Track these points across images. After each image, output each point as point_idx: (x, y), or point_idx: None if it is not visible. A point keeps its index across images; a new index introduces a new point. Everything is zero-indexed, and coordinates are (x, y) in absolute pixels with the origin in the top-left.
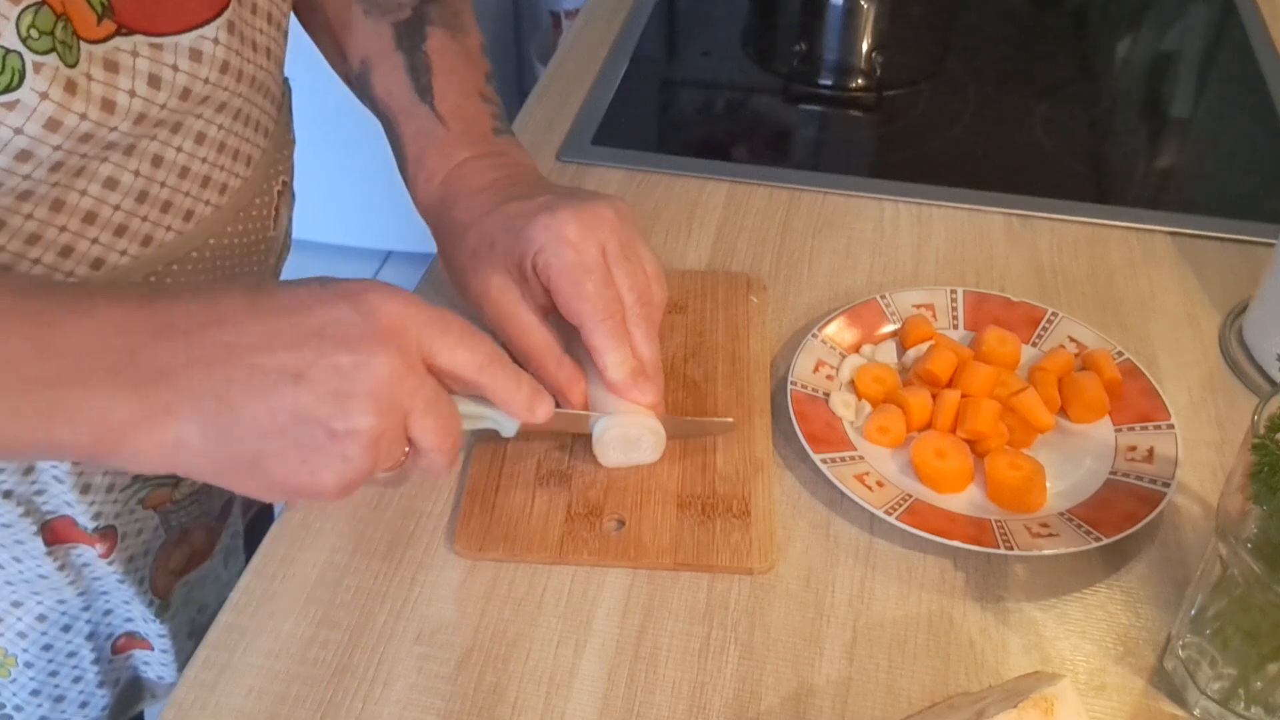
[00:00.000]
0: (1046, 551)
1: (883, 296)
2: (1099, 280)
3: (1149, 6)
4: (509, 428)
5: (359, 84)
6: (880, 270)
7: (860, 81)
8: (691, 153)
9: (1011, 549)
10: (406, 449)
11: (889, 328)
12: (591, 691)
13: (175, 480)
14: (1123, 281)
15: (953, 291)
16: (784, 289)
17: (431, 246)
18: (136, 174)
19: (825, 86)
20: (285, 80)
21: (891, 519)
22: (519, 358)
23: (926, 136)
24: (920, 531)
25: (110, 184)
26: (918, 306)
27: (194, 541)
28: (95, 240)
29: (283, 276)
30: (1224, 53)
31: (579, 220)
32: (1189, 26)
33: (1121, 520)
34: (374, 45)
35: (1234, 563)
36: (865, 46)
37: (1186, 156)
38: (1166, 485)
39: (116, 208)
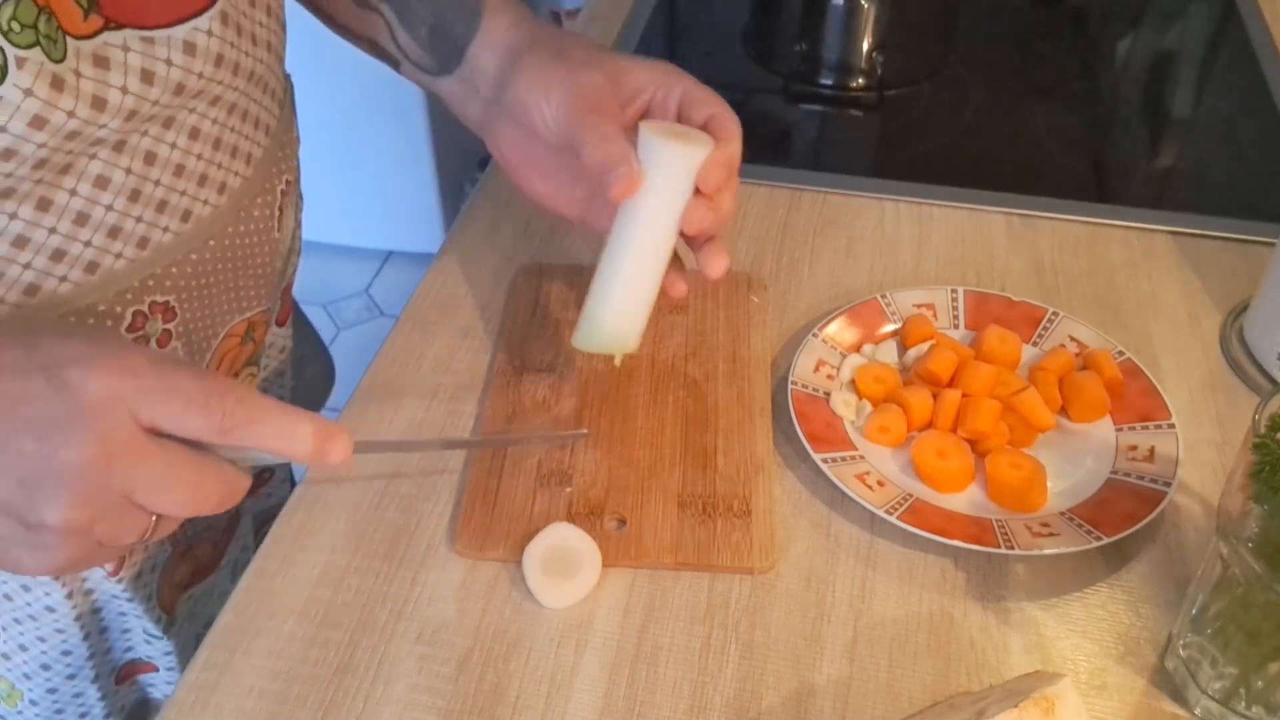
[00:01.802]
0: (1047, 551)
1: (883, 296)
2: (1100, 280)
3: (1149, 6)
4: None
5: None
6: (881, 270)
7: (860, 81)
8: None
9: (1012, 548)
10: (154, 517)
11: (890, 327)
12: (592, 691)
13: None
14: (1123, 281)
15: (953, 291)
16: (784, 289)
17: (432, 247)
18: (129, 172)
19: (825, 86)
20: (287, 76)
21: (892, 518)
22: (599, 141)
23: (926, 136)
24: (921, 531)
25: (101, 183)
26: (918, 306)
27: (200, 555)
28: (88, 243)
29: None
30: (1224, 53)
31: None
32: (1189, 26)
33: (1122, 520)
34: None
35: (1235, 562)
36: (866, 46)
37: (1186, 156)
38: (1167, 485)
39: (109, 208)
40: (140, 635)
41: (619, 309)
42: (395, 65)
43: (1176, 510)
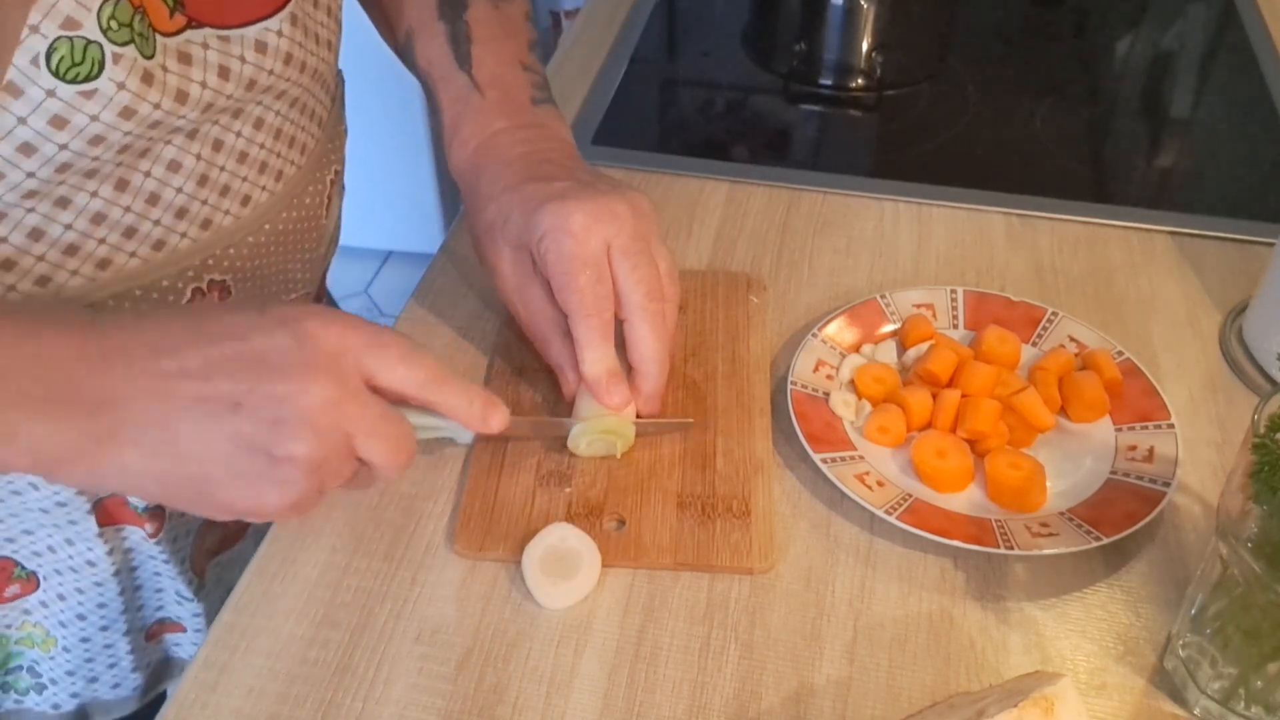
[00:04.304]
0: (1047, 551)
1: (883, 296)
2: (1099, 280)
3: (1149, 6)
4: (464, 436)
5: (404, 54)
6: (880, 270)
7: (860, 81)
8: (691, 153)
9: (1012, 548)
10: (358, 465)
11: (889, 327)
12: (592, 691)
13: None
14: (1123, 281)
15: (953, 291)
16: (784, 289)
17: (432, 247)
18: (198, 158)
19: (825, 86)
20: (339, 71)
21: (892, 519)
22: (525, 332)
23: (926, 136)
24: (920, 531)
25: (173, 167)
26: (918, 306)
27: (228, 523)
28: (157, 222)
29: None
30: (1224, 53)
31: (586, 212)
32: (1189, 26)
33: (1122, 520)
34: (418, 15)
35: (1234, 562)
36: (865, 46)
37: (1186, 156)
38: (1167, 485)
39: (179, 190)
40: (172, 595)
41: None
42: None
43: (1176, 510)
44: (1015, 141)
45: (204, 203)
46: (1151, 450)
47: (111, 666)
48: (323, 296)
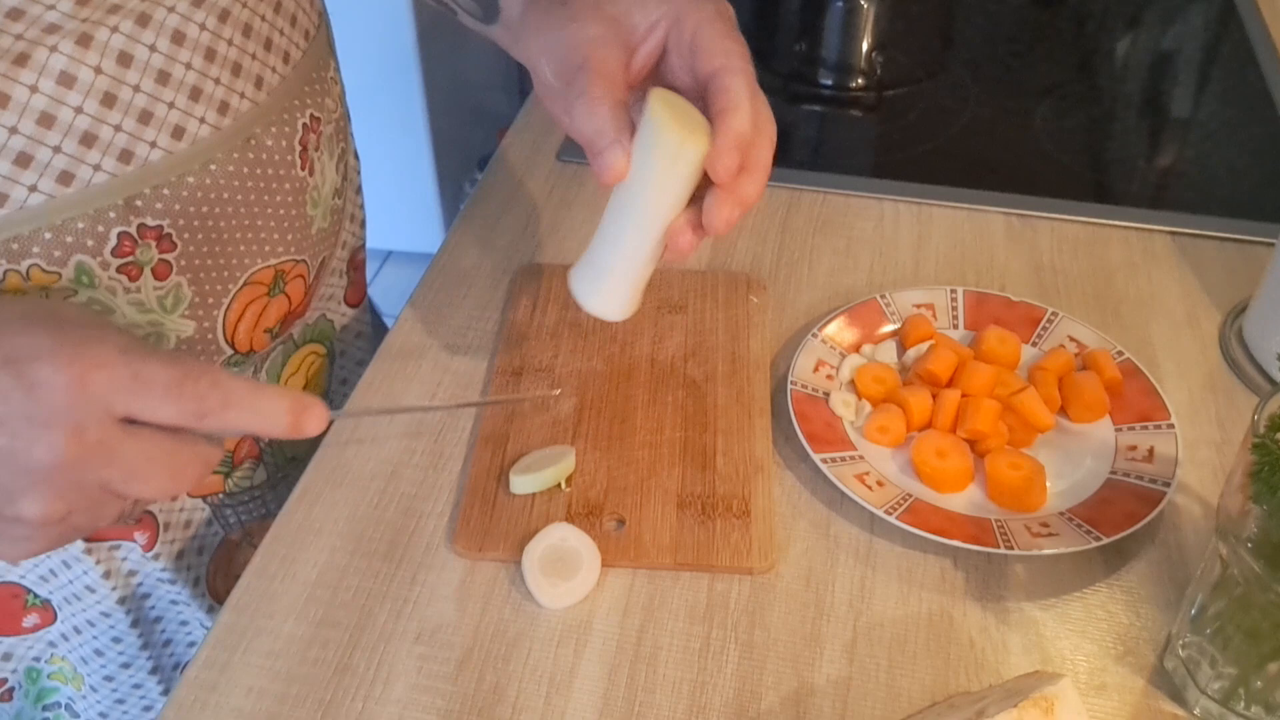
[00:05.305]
0: (1047, 551)
1: (883, 296)
2: (1099, 280)
3: (1149, 6)
4: None
5: None
6: (880, 270)
7: (860, 81)
8: None
9: (1012, 549)
10: (125, 500)
11: (889, 327)
12: (591, 691)
13: (227, 469)
14: (1123, 281)
15: (953, 291)
16: (784, 289)
17: (432, 247)
18: (97, 71)
19: (825, 86)
20: (323, 13)
21: (892, 519)
22: (585, 113)
23: (926, 136)
24: (920, 531)
25: (65, 80)
26: (918, 306)
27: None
28: (58, 149)
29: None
30: (1224, 53)
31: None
32: (1189, 26)
33: (1122, 520)
34: None
35: (1234, 562)
36: (865, 46)
37: (1186, 156)
38: (1167, 485)
39: (79, 110)
40: (198, 628)
41: (606, 284)
42: (453, 14)
43: (1176, 510)
44: (1015, 141)
45: (117, 129)
46: (1151, 450)
47: (146, 710)
48: (362, 293)
